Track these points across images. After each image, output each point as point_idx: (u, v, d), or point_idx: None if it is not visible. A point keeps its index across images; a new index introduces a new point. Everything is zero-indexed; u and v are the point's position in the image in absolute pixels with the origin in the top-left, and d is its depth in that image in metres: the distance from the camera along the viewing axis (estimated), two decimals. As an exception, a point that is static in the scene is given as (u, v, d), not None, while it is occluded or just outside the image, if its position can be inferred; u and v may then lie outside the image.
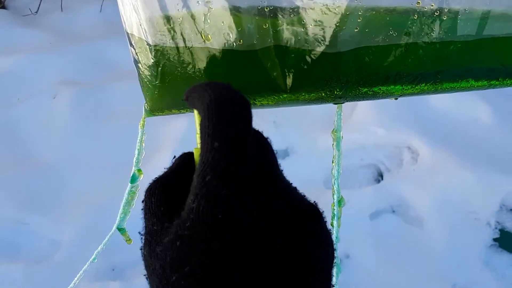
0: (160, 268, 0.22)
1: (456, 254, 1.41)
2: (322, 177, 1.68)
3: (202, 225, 0.21)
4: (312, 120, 1.83)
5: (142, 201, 0.28)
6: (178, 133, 1.79)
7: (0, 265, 1.43)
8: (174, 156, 0.29)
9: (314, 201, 0.27)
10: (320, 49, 0.31)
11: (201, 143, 0.23)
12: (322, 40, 0.31)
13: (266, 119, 1.86)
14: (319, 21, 0.30)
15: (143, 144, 0.45)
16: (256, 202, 0.23)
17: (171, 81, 0.36)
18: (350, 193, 1.58)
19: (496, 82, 0.35)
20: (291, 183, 0.27)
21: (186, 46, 0.33)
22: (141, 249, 0.27)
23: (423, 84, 0.34)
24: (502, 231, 1.47)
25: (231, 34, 0.32)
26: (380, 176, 1.68)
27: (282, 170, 0.27)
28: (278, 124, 1.86)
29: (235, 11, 0.31)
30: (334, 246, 0.51)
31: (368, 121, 1.75)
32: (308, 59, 0.32)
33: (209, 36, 0.32)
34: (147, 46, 0.35)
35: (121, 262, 1.43)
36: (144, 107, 0.42)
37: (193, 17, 0.32)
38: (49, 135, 1.87)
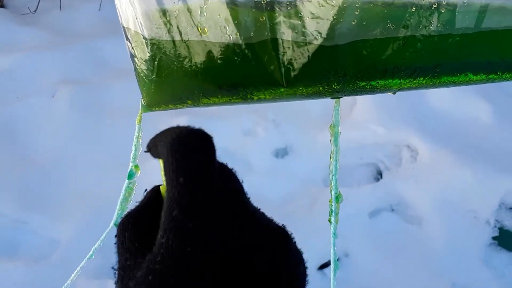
0: None
1: (455, 252, 1.41)
2: (321, 176, 1.68)
3: (171, 259, 0.22)
4: (311, 118, 1.83)
5: (115, 236, 0.28)
6: (177, 131, 1.78)
7: (-1, 264, 1.43)
8: (146, 190, 0.29)
9: (282, 224, 0.28)
10: (317, 42, 0.31)
11: (166, 179, 0.24)
12: (319, 33, 0.31)
13: (265, 118, 1.86)
14: (316, 13, 0.30)
15: (140, 140, 0.45)
16: (230, 225, 0.24)
17: (168, 75, 0.35)
18: (349, 192, 1.58)
19: (495, 76, 0.35)
20: (259, 208, 0.28)
21: (182, 40, 0.33)
22: (115, 283, 0.27)
23: (421, 78, 0.34)
24: (501, 230, 1.46)
25: (227, 27, 0.31)
26: (379, 175, 1.67)
27: (249, 198, 0.28)
28: (277, 123, 1.86)
29: (232, 4, 0.30)
30: (332, 242, 0.51)
31: (367, 119, 1.75)
32: (306, 53, 0.32)
33: (206, 29, 0.32)
34: (143, 40, 0.34)
35: (120, 260, 1.43)
36: (141, 102, 0.42)
37: (189, 10, 0.31)
38: (48, 134, 1.86)
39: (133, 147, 0.45)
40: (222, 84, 0.35)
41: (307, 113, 1.85)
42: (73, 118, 1.90)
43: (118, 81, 1.99)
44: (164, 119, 1.82)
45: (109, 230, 0.54)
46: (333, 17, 0.30)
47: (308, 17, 0.30)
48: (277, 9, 0.31)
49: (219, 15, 0.31)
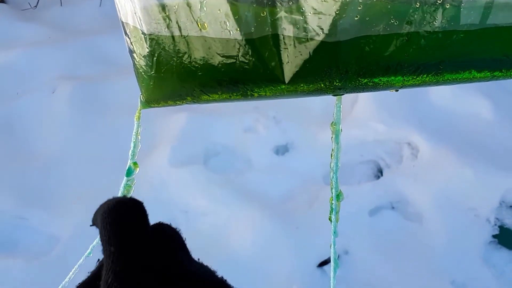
0: None
1: (455, 250, 1.41)
2: (321, 173, 1.67)
3: None
4: (311, 116, 1.82)
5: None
6: (177, 128, 1.78)
7: (-1, 260, 1.43)
8: (98, 259, 0.30)
9: (222, 276, 0.30)
10: (319, 38, 0.30)
11: (102, 249, 0.26)
12: (321, 29, 0.30)
13: (266, 115, 1.85)
14: (318, 9, 0.29)
15: (139, 137, 0.45)
16: (165, 285, 0.25)
17: (167, 71, 0.35)
18: (350, 189, 1.57)
19: (500, 74, 0.34)
20: (201, 262, 0.31)
21: (181, 35, 0.32)
22: None
23: (425, 75, 0.33)
24: (502, 228, 1.46)
25: (227, 23, 0.31)
26: (379, 172, 1.67)
27: (198, 259, 0.31)
28: (278, 120, 1.85)
29: (232, -2, 0.30)
30: (332, 240, 0.50)
31: (368, 116, 1.75)
32: (307, 49, 0.31)
33: (205, 24, 0.31)
34: (142, 35, 0.34)
35: (119, 257, 1.43)
36: (140, 98, 0.41)
37: (189, 5, 0.31)
38: (48, 130, 1.86)
39: (132, 144, 0.44)
40: (222, 80, 0.34)
41: (308, 111, 1.84)
42: (73, 114, 1.90)
43: (119, 77, 1.99)
44: (164, 116, 1.82)
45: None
46: (335, 12, 0.29)
47: (310, 13, 0.30)
48: (278, 4, 0.30)
49: (219, 10, 0.31)
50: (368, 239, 1.46)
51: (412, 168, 1.61)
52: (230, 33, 0.31)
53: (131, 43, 0.36)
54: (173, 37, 0.33)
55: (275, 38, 0.31)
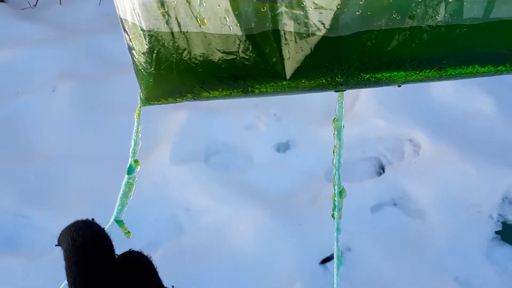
0: None
1: (458, 247, 1.40)
2: (323, 170, 1.67)
3: None
4: (313, 113, 1.82)
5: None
6: (178, 126, 1.78)
7: (1, 259, 1.43)
8: None
9: None
10: (320, 33, 0.30)
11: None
12: (322, 24, 0.30)
13: (267, 112, 1.85)
14: (319, 3, 0.29)
15: (140, 135, 0.44)
16: None
17: (167, 68, 0.34)
18: (351, 186, 1.57)
19: (504, 68, 0.34)
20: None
21: (181, 31, 0.32)
22: None
23: (428, 70, 0.33)
24: (505, 224, 1.46)
25: (227, 18, 0.30)
26: (381, 169, 1.67)
27: (172, 287, 0.31)
28: (279, 117, 1.85)
29: (231, -7, 0.29)
30: (335, 237, 0.50)
31: (369, 113, 1.74)
32: (308, 44, 0.31)
33: (205, 20, 0.31)
34: (141, 32, 0.34)
35: (121, 255, 1.43)
36: (140, 96, 0.41)
37: (188, 0, 0.30)
38: (49, 129, 1.86)
39: (132, 142, 0.44)
40: (222, 77, 0.34)
41: (309, 108, 1.84)
42: (74, 113, 1.90)
43: (119, 76, 1.98)
44: (164, 114, 1.82)
45: (109, 226, 0.53)
46: (337, 7, 0.29)
47: (311, 7, 0.29)
48: (278, -2, 0.29)
49: (219, 5, 0.30)
50: (370, 236, 1.46)
51: (414, 164, 1.61)
52: (230, 28, 0.31)
53: (130, 40, 0.36)
54: (172, 33, 0.33)
55: (276, 33, 0.31)
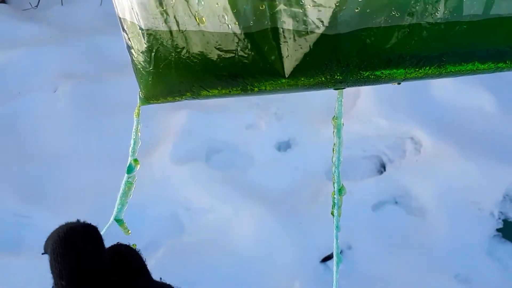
0: None
1: (459, 244, 1.40)
2: (324, 168, 1.67)
3: None
4: (313, 111, 1.81)
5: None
6: (179, 125, 1.78)
7: (3, 259, 1.43)
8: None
9: None
10: (319, 31, 0.30)
11: (53, 283, 0.24)
12: (321, 21, 0.30)
13: (267, 111, 1.85)
14: (318, 1, 0.29)
15: (139, 134, 0.44)
16: None
17: (165, 67, 0.34)
18: (353, 184, 1.57)
19: (504, 65, 0.34)
20: (164, 282, 0.29)
21: (179, 30, 0.32)
22: None
23: (427, 67, 0.33)
24: (506, 222, 1.45)
25: (226, 16, 0.30)
26: (382, 167, 1.66)
27: (160, 279, 0.29)
28: (279, 116, 1.85)
29: (230, -9, 0.29)
30: (335, 235, 0.50)
31: (370, 111, 1.74)
32: (307, 42, 0.31)
33: (203, 18, 0.31)
34: (140, 31, 0.33)
35: (123, 255, 1.44)
36: (139, 95, 0.41)
37: (186, -2, 0.30)
38: (50, 129, 1.86)
39: (132, 141, 0.44)
40: (221, 75, 0.34)
41: (309, 106, 1.83)
42: (75, 112, 1.90)
43: (120, 76, 1.98)
44: (165, 113, 1.82)
45: (109, 225, 0.53)
46: (335, 4, 0.29)
47: (310, 5, 0.29)
48: (277, -4, 0.29)
49: (217, 3, 0.30)
50: (372, 234, 1.46)
51: (415, 162, 1.61)
52: (228, 27, 0.31)
53: (128, 39, 0.36)
54: (171, 32, 0.33)
55: (275, 31, 0.31)
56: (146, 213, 1.55)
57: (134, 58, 0.37)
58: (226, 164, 1.73)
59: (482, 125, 1.67)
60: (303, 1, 0.29)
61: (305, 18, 0.30)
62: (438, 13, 0.30)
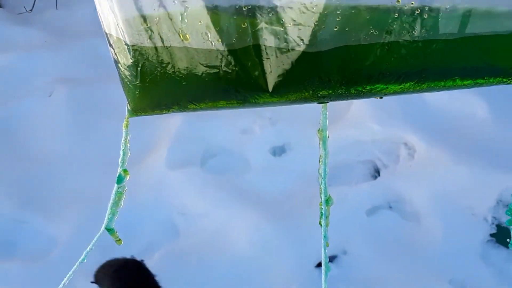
0: None
1: (453, 249, 1.41)
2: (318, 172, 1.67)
3: None
4: (307, 116, 1.82)
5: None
6: (174, 130, 1.78)
7: (-2, 263, 1.44)
8: None
9: None
10: (300, 48, 0.31)
11: None
12: (301, 39, 0.30)
13: (262, 116, 1.85)
14: (297, 20, 0.30)
15: (128, 145, 0.45)
16: None
17: (152, 81, 0.35)
18: (347, 189, 1.57)
19: (482, 81, 0.34)
20: None
21: (164, 46, 0.33)
22: None
23: (407, 83, 0.33)
24: (499, 227, 1.46)
25: (209, 34, 0.31)
26: (377, 172, 1.67)
27: None
28: (274, 121, 1.85)
29: (212, 10, 0.30)
30: (323, 244, 0.50)
31: (365, 117, 1.75)
32: (289, 59, 0.31)
33: (187, 35, 0.32)
34: (125, 46, 0.34)
35: (117, 260, 1.44)
36: (127, 107, 0.42)
37: (170, 16, 0.31)
38: (46, 133, 1.86)
39: (121, 152, 0.45)
40: (206, 90, 0.35)
41: (304, 111, 1.84)
42: (70, 117, 1.90)
43: (114, 81, 1.98)
44: (160, 118, 1.82)
45: (100, 234, 0.53)
46: (314, 23, 0.29)
47: (290, 24, 0.30)
48: (258, 15, 0.30)
49: (200, 21, 0.31)
50: (366, 238, 1.46)
51: (409, 168, 1.61)
52: (212, 43, 0.32)
53: (115, 53, 0.36)
54: (155, 47, 0.33)
55: (257, 48, 0.31)
56: (142, 218, 1.55)
57: (121, 72, 0.37)
58: (221, 168, 1.73)
59: (475, 131, 1.68)
60: (283, 19, 0.30)
61: (286, 36, 0.30)
62: (415, 31, 0.30)
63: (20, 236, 1.56)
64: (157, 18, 0.32)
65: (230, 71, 0.33)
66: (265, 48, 0.31)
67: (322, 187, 0.41)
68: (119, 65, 0.37)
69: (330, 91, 0.33)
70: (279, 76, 0.32)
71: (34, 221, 1.59)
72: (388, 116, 1.72)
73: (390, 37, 0.31)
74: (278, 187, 1.66)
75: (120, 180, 0.46)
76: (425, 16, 0.30)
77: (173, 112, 0.40)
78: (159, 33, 0.32)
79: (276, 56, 0.32)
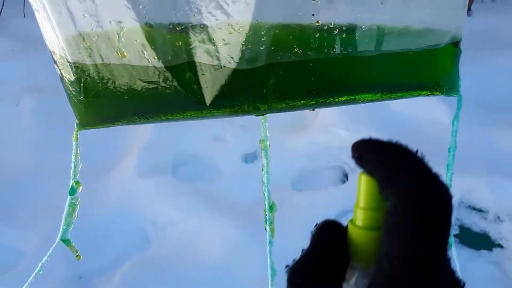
0: None
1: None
2: (290, 179, 1.70)
3: None
4: (279, 123, 1.85)
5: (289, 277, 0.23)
6: (145, 138, 1.78)
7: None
8: (316, 224, 0.24)
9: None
10: (231, 66, 0.33)
11: (393, 241, 0.19)
12: (231, 57, 0.32)
13: (234, 123, 1.87)
14: (227, 39, 0.32)
15: (79, 157, 0.46)
16: None
17: (95, 96, 0.36)
18: (317, 194, 1.60)
19: (406, 94, 0.37)
20: None
21: (104, 63, 0.34)
22: None
23: (336, 97, 0.36)
24: (462, 228, 1.51)
25: (145, 52, 0.33)
26: (345, 177, 1.71)
27: None
28: (246, 128, 1.87)
29: (147, 29, 0.32)
30: (268, 249, 0.52)
31: (332, 123, 1.79)
32: (222, 75, 0.33)
33: (125, 53, 0.33)
34: (67, 63, 0.35)
35: (88, 270, 1.42)
36: (75, 121, 0.43)
37: (107, 35, 0.33)
38: (12, 143, 1.83)
39: (72, 164, 0.45)
40: (147, 104, 0.36)
41: (275, 119, 1.86)
42: (38, 127, 1.87)
43: (85, 89, 1.97)
44: (128, 127, 1.81)
45: (56, 246, 0.54)
46: (241, 43, 0.31)
47: (220, 43, 0.32)
48: (191, 34, 0.32)
49: (136, 40, 0.32)
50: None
51: (376, 172, 1.65)
52: (149, 61, 0.33)
53: (59, 70, 0.38)
54: (96, 65, 0.35)
55: (192, 65, 0.33)
56: (112, 227, 1.54)
57: (66, 88, 0.38)
58: (193, 176, 1.74)
59: (438, 136, 1.74)
60: (214, 39, 0.32)
61: (217, 54, 0.32)
62: (335, 49, 0.33)
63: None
64: (96, 37, 0.33)
65: (168, 86, 0.34)
66: (200, 65, 0.33)
67: (265, 194, 0.43)
68: (64, 81, 0.38)
69: (265, 105, 0.35)
70: (215, 91, 0.34)
71: (2, 233, 1.55)
72: (354, 122, 1.77)
73: (313, 55, 0.33)
74: (249, 194, 1.68)
75: (72, 191, 0.47)
76: (344, 36, 0.32)
77: (121, 125, 0.41)
78: (98, 51, 0.34)
79: (211, 73, 0.33)
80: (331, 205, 1.60)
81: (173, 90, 0.34)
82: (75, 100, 0.38)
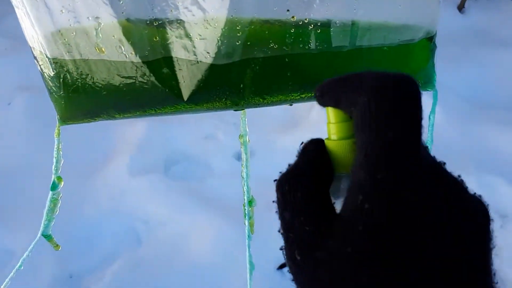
0: (327, 274, 0.20)
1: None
2: (281, 178, 1.70)
3: (379, 228, 0.18)
4: (271, 121, 1.85)
5: (279, 192, 0.23)
6: (136, 136, 1.78)
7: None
8: (302, 142, 0.25)
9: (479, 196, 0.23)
10: (207, 61, 0.33)
11: (362, 133, 0.19)
12: (208, 52, 0.33)
13: (226, 121, 1.88)
14: (203, 35, 0.32)
15: (61, 152, 0.46)
16: (440, 195, 0.20)
17: (74, 92, 0.37)
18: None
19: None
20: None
21: (82, 59, 0.34)
22: (281, 249, 0.23)
23: (310, 93, 0.36)
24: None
25: (122, 47, 0.33)
26: (336, 175, 1.72)
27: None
28: (238, 126, 1.87)
29: (124, 24, 0.32)
30: (247, 244, 0.53)
31: (323, 121, 1.79)
32: (199, 70, 0.34)
33: (103, 48, 0.33)
34: (47, 59, 0.36)
35: (78, 269, 1.42)
36: (57, 116, 0.43)
37: (85, 31, 0.33)
38: (4, 142, 1.82)
39: (54, 160, 0.46)
40: (126, 99, 0.37)
41: (267, 116, 1.87)
42: (30, 126, 1.87)
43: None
44: (122, 124, 1.81)
45: (37, 241, 0.54)
46: (217, 38, 0.32)
47: (197, 38, 0.32)
48: (168, 29, 0.32)
49: (114, 36, 0.33)
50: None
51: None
52: (126, 56, 0.34)
53: (39, 66, 0.38)
54: (75, 60, 0.35)
55: (169, 60, 0.34)
56: (103, 226, 1.53)
57: (46, 84, 0.39)
58: (185, 175, 1.74)
59: (426, 133, 1.75)
60: (191, 34, 0.32)
61: (194, 49, 0.33)
62: (311, 44, 0.33)
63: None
64: (74, 33, 0.33)
65: (145, 81, 0.35)
66: (177, 60, 0.34)
67: (244, 189, 0.44)
68: (44, 76, 0.38)
69: (243, 100, 0.36)
70: (192, 85, 0.35)
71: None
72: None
73: (288, 50, 0.33)
74: (241, 192, 1.68)
75: (54, 187, 0.47)
76: (318, 31, 0.33)
77: (102, 120, 0.41)
78: (76, 47, 0.34)
79: (188, 68, 0.34)
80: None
81: (151, 85, 0.35)
82: (55, 95, 0.38)
